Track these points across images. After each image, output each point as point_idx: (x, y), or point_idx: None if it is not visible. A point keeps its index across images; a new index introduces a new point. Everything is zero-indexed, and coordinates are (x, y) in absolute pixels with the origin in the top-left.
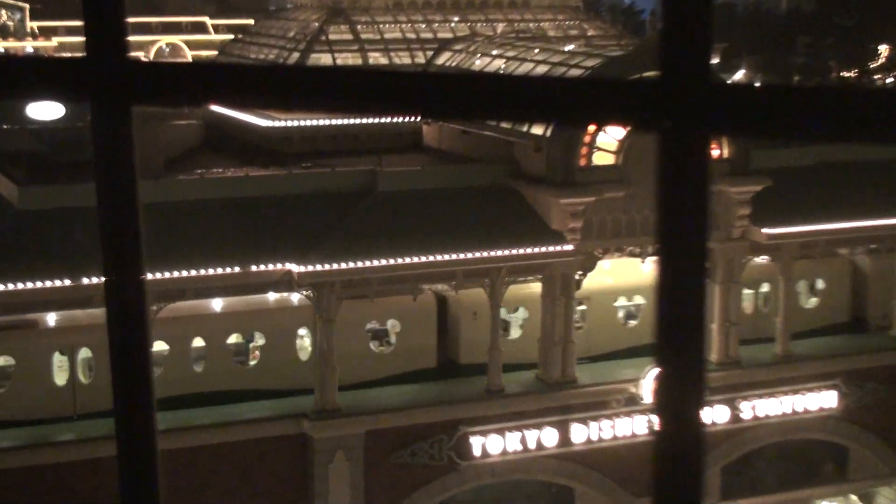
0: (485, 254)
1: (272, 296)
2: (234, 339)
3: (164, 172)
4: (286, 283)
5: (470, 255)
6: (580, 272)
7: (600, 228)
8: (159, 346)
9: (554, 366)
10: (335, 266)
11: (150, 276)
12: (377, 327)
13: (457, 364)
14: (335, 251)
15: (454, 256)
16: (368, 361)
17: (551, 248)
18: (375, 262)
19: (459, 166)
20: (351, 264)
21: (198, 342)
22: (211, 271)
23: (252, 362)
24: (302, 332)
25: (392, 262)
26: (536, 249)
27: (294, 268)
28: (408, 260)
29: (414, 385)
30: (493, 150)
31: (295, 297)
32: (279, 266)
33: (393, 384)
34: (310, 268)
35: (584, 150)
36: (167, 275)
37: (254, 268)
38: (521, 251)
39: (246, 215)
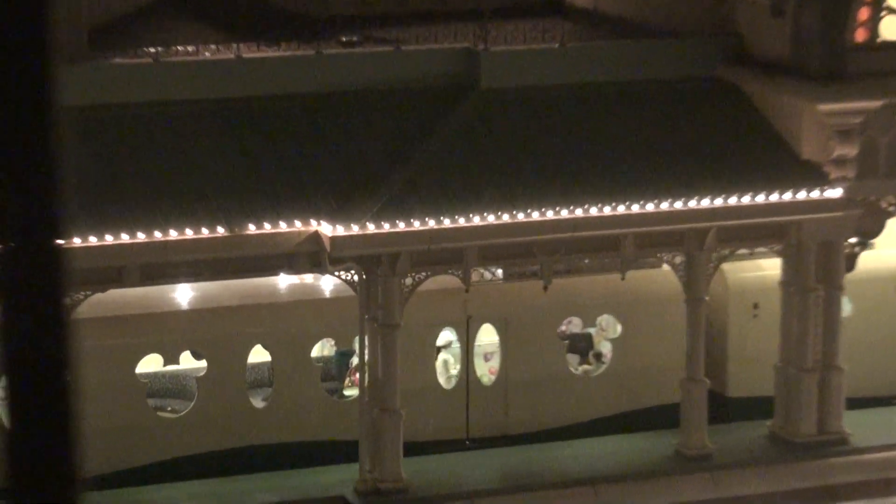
0: (676, 205)
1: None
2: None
3: (88, 51)
4: (308, 256)
5: (652, 208)
6: (855, 239)
7: (891, 160)
8: (151, 363)
9: (806, 412)
10: (403, 227)
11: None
12: (573, 331)
13: (723, 398)
14: (402, 201)
15: (620, 210)
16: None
17: (801, 196)
18: (470, 221)
19: (634, 44)
20: (431, 223)
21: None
22: (190, 233)
23: (348, 392)
24: (447, 336)
25: (501, 218)
26: (772, 197)
27: (326, 229)
28: (526, 216)
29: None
30: (695, 16)
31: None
32: (298, 226)
33: (602, 434)
34: (354, 229)
35: (863, 15)
36: (106, 240)
37: (252, 228)
38: (741, 200)
39: (238, 132)
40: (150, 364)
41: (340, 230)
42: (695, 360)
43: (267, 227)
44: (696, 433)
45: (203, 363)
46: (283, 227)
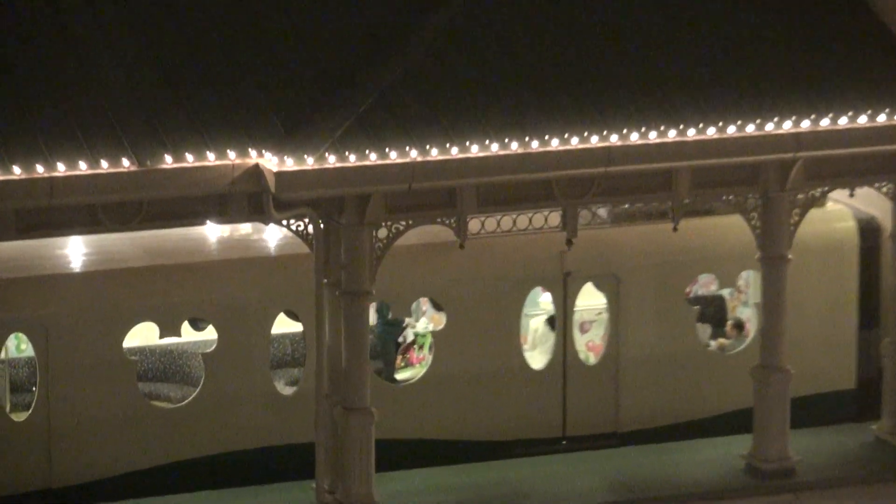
0: (747, 128)
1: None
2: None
3: None
4: (246, 199)
5: (714, 133)
6: None
7: None
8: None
9: None
10: (375, 158)
11: None
12: (699, 293)
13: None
14: (373, 123)
15: (671, 136)
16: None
17: None
18: (466, 151)
19: None
20: (413, 153)
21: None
22: (84, 168)
23: (401, 375)
24: (541, 299)
25: (508, 147)
26: (880, 119)
27: (270, 162)
28: (542, 144)
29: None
30: None
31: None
32: (232, 158)
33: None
34: (308, 161)
35: None
36: None
37: (168, 160)
38: (838, 123)
39: (151, 31)
40: (142, 336)
41: (289, 163)
42: (773, 341)
43: (189, 160)
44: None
45: (210, 334)
46: (210, 159)
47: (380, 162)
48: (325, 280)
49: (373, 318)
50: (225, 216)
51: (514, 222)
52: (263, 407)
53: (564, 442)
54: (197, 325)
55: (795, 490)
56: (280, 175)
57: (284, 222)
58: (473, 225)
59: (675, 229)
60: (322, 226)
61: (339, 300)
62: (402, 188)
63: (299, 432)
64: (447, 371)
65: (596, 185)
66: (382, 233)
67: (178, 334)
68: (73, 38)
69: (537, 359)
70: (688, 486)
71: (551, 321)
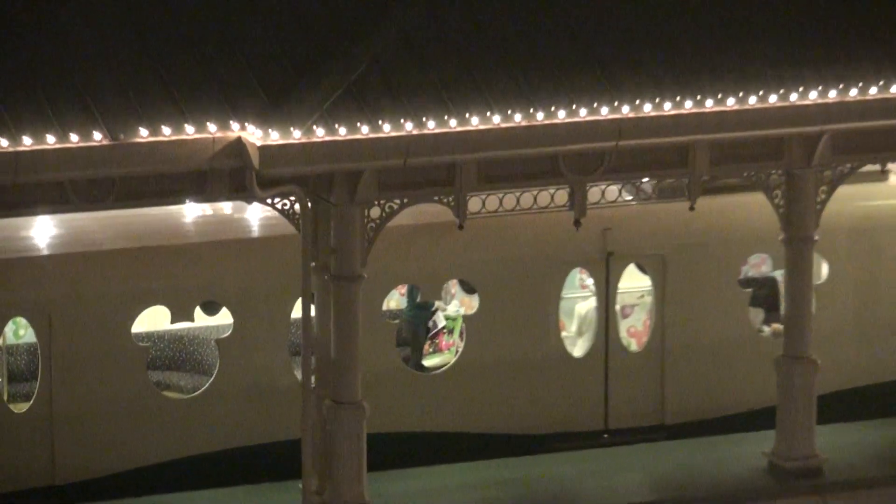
0: (769, 99)
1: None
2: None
3: None
4: (228, 175)
5: (733, 104)
6: None
7: None
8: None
9: None
10: (367, 131)
11: None
12: (750, 275)
13: None
14: (365, 93)
15: (687, 107)
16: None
17: None
18: (466, 124)
19: None
20: (408, 126)
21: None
22: (52, 141)
23: (429, 361)
24: (581, 282)
25: (512, 119)
26: None
27: (253, 135)
28: (548, 115)
29: None
30: None
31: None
32: (213, 131)
33: None
34: (295, 134)
35: None
36: None
37: (144, 133)
38: (869, 93)
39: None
40: (153, 321)
41: (274, 136)
42: (798, 329)
43: (165, 133)
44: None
45: (225, 319)
46: (189, 132)
47: (372, 135)
48: (313, 263)
49: (402, 301)
50: (204, 194)
51: (518, 201)
52: (283, 398)
53: (606, 436)
54: (210, 309)
55: (822, 491)
56: (264, 149)
57: (269, 201)
58: (473, 204)
59: (691, 208)
60: (309, 205)
61: (328, 285)
62: (397, 164)
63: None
64: (479, 358)
65: (606, 160)
66: (375, 212)
67: (191, 319)
68: (41, 2)
69: (581, 346)
70: (707, 488)
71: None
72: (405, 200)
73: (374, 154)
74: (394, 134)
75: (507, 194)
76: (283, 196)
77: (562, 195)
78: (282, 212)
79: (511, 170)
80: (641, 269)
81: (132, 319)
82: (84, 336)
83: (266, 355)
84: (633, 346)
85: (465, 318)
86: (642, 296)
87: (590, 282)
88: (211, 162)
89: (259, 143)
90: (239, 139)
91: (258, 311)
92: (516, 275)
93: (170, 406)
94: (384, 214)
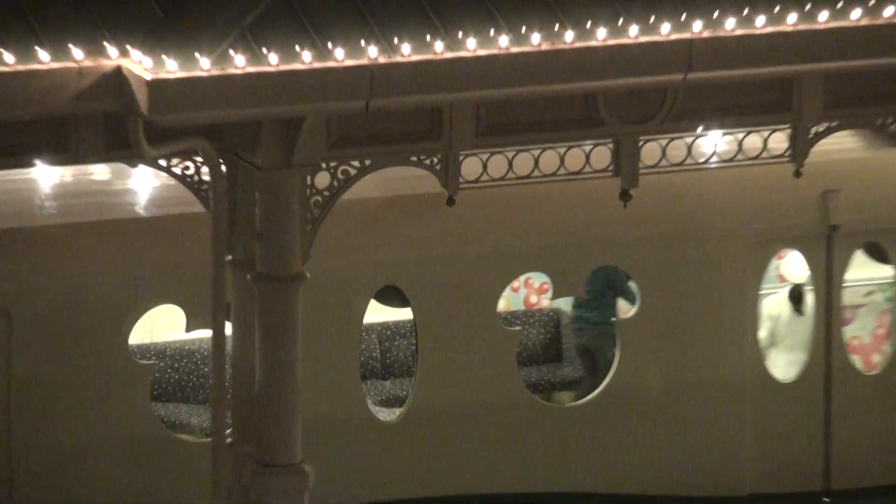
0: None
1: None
2: None
3: None
4: (102, 123)
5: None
6: None
7: None
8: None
9: None
10: (310, 59)
11: None
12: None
13: None
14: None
15: (791, 20)
16: None
17: None
18: (460, 48)
19: None
20: (372, 51)
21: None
22: None
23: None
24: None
25: (528, 41)
26: None
27: (139, 66)
28: (581, 35)
29: None
30: None
31: None
32: (79, 58)
33: None
34: (203, 64)
35: None
36: None
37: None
38: None
39: None
40: (158, 329)
41: (172, 67)
42: None
43: (8, 61)
44: None
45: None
46: (43, 59)
47: (319, 65)
48: (230, 257)
49: (566, 303)
50: (66, 154)
51: (536, 163)
52: (355, 440)
53: (827, 500)
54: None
55: None
56: (156, 86)
57: (163, 163)
58: (470, 167)
59: (797, 173)
60: (224, 169)
61: (255, 287)
62: (356, 107)
63: (408, 480)
64: (636, 383)
65: (668, 101)
66: (323, 180)
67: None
68: None
69: (780, 362)
70: None
71: (795, 297)
72: (367, 162)
73: (322, 93)
74: (351, 63)
75: (521, 153)
76: (185, 157)
77: (602, 154)
78: (182, 179)
79: (526, 118)
80: (876, 252)
81: (130, 326)
82: (58, 346)
83: (327, 379)
84: (858, 364)
85: (619, 324)
86: (871, 292)
87: (795, 270)
88: (75, 104)
89: (149, 77)
90: (118, 70)
91: (316, 314)
92: (691, 260)
93: None
94: (336, 184)
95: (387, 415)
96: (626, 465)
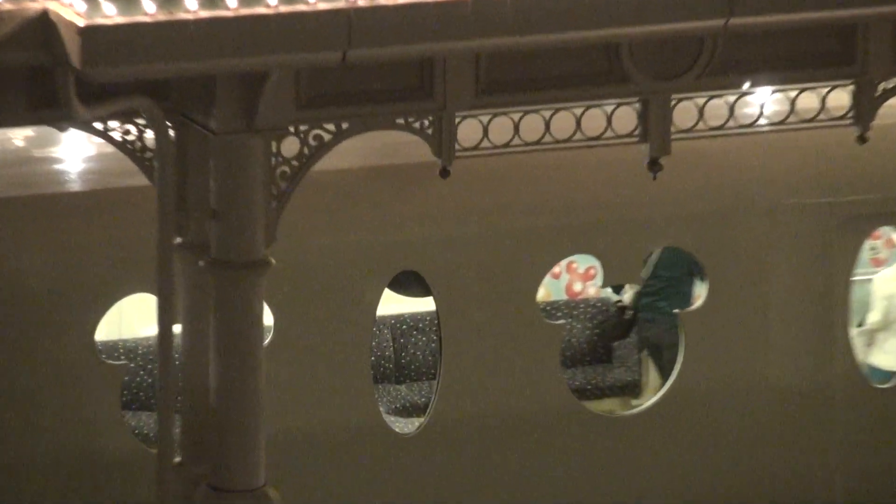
0: None
1: None
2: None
3: None
4: (23, 78)
5: None
6: None
7: None
8: None
9: None
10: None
11: None
12: None
13: None
14: None
15: None
16: None
17: None
18: None
19: None
20: None
21: None
22: None
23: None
24: None
25: None
26: None
27: (69, 9)
28: None
29: None
30: None
31: None
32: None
33: None
34: (146, 5)
35: None
36: None
37: None
38: None
39: None
40: (129, 323)
41: (109, 10)
42: None
43: None
44: None
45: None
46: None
47: (286, 9)
48: (179, 239)
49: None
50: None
51: (547, 126)
52: (366, 456)
53: None
54: None
55: None
56: (91, 33)
57: (99, 126)
58: (468, 132)
59: (861, 139)
60: (172, 134)
61: (208, 275)
62: (331, 59)
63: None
64: (700, 386)
65: (706, 53)
66: (291, 147)
67: None
68: None
69: (887, 355)
70: None
71: None
72: (344, 126)
73: (290, 42)
74: (325, 6)
75: (528, 114)
76: (125, 118)
77: (626, 116)
78: (122, 146)
79: (534, 71)
80: None
81: (97, 319)
82: (6, 345)
83: (332, 383)
84: None
85: (682, 317)
86: None
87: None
88: None
89: (81, 23)
90: (44, 15)
91: (317, 304)
92: (765, 241)
93: None
94: (307, 151)
95: (404, 426)
96: (690, 484)
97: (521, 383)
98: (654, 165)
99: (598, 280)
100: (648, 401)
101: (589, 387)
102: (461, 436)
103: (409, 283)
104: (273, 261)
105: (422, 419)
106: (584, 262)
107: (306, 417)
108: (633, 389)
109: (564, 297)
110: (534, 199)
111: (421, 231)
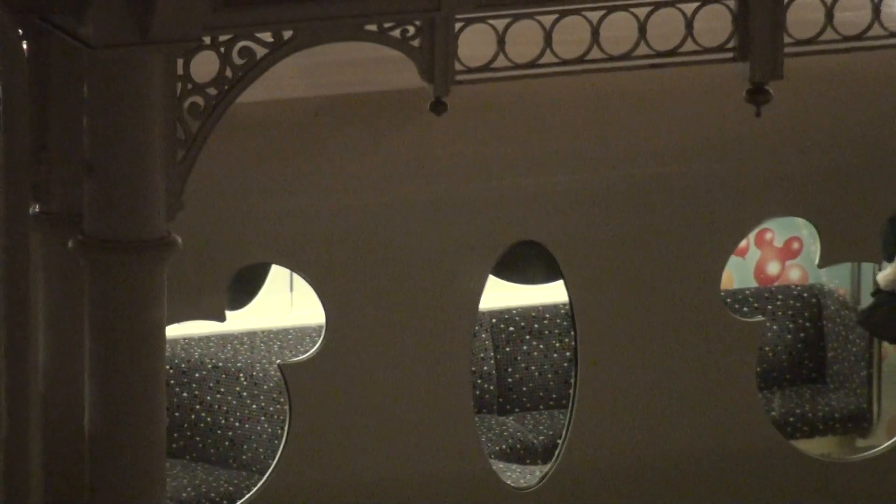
0: None
1: None
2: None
3: None
4: None
5: None
6: None
7: None
8: None
9: None
10: None
11: None
12: None
13: None
14: None
15: None
16: None
17: None
18: None
19: None
20: None
21: None
22: None
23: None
24: None
25: None
26: None
27: None
28: None
29: None
30: None
31: None
32: None
33: None
34: None
35: None
36: None
37: None
38: None
39: None
40: None
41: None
42: None
43: None
44: None
45: (298, 317)
46: None
47: None
48: (37, 208)
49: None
50: None
51: (595, 36)
52: None
53: None
54: (243, 294)
55: None
56: None
57: None
58: (468, 50)
59: None
60: (26, 48)
61: (79, 262)
62: None
63: None
64: None
65: None
66: (206, 66)
67: (220, 318)
68: None
69: None
70: None
71: None
72: (286, 36)
73: None
74: None
75: (565, 17)
76: None
77: (716, 20)
78: None
79: None
80: None
81: None
82: None
83: (412, 408)
84: None
85: None
86: None
87: None
88: None
89: None
90: None
91: (392, 295)
92: None
93: None
94: (231, 72)
95: (518, 476)
96: None
97: (699, 413)
98: (756, 94)
99: (813, 257)
100: (886, 442)
101: (792, 418)
102: (601, 488)
103: (514, 264)
104: (179, 239)
105: (545, 467)
106: (783, 232)
107: (376, 466)
108: (858, 422)
109: (753, 283)
110: (709, 135)
111: (541, 188)
